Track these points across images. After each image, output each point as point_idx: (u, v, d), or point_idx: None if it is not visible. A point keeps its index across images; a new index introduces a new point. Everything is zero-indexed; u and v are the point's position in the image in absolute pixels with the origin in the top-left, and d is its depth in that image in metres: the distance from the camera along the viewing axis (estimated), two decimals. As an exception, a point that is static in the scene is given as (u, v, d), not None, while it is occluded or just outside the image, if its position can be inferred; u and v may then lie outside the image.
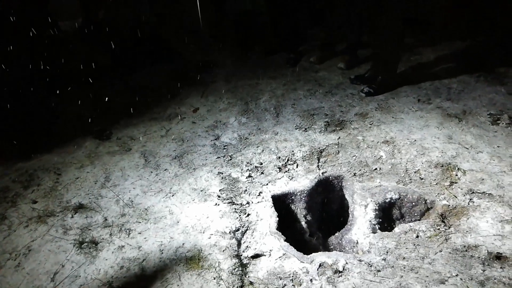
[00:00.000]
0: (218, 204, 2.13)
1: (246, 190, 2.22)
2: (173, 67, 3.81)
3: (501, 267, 1.63)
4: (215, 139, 2.72)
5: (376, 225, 1.97)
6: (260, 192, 2.20)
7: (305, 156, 2.46)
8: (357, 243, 1.90)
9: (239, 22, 4.09)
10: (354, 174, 2.30)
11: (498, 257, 1.67)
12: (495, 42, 3.57)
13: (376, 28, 2.96)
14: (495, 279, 1.59)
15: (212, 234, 1.94)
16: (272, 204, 2.11)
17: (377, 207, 2.05)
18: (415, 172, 2.24)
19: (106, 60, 3.75)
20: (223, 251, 1.84)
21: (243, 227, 1.99)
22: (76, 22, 4.47)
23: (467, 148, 2.35)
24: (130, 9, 3.80)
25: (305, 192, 2.21)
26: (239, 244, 1.89)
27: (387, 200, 2.10)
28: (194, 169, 2.43)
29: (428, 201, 2.07)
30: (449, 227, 1.87)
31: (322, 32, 3.82)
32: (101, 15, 4.04)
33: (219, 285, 1.68)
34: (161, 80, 3.58)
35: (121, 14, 3.80)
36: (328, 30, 3.63)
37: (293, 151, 2.51)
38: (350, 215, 2.10)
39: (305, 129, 2.73)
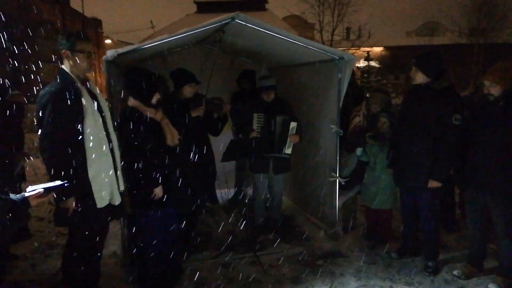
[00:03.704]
0: None
1: None
2: (301, 249, 3.88)
3: None
4: None
5: None
6: None
7: None
8: None
9: (372, 217, 4.11)
10: None
11: None
12: None
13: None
14: None
15: None
16: None
17: None
18: None
19: (243, 233, 4.09)
20: None
21: None
22: (230, 191, 5.24)
23: None
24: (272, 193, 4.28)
25: None
26: None
27: None
28: None
29: None
30: None
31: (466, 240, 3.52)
32: (250, 191, 4.63)
33: None
34: (289, 262, 3.64)
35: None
36: (474, 245, 3.32)
37: None
38: None
39: None
